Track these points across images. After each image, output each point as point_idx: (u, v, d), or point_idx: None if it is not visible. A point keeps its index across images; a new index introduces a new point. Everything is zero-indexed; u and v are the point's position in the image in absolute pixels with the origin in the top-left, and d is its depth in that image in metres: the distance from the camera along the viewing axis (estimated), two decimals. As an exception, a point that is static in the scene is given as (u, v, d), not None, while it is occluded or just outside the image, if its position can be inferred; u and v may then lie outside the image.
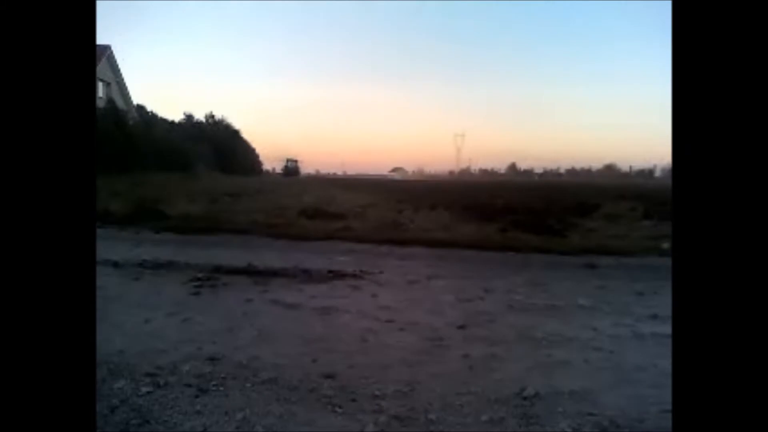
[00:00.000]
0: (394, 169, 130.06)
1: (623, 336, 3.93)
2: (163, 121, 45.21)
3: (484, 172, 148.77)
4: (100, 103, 28.30)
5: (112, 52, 32.65)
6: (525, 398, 2.85)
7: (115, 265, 6.36)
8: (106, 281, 5.47)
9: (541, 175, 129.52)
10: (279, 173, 63.20)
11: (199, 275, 5.77)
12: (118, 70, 33.80)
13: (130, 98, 35.54)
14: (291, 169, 61.14)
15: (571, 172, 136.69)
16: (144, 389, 2.85)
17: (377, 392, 2.88)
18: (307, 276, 5.90)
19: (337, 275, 5.96)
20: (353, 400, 2.78)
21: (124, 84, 34.71)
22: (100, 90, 31.07)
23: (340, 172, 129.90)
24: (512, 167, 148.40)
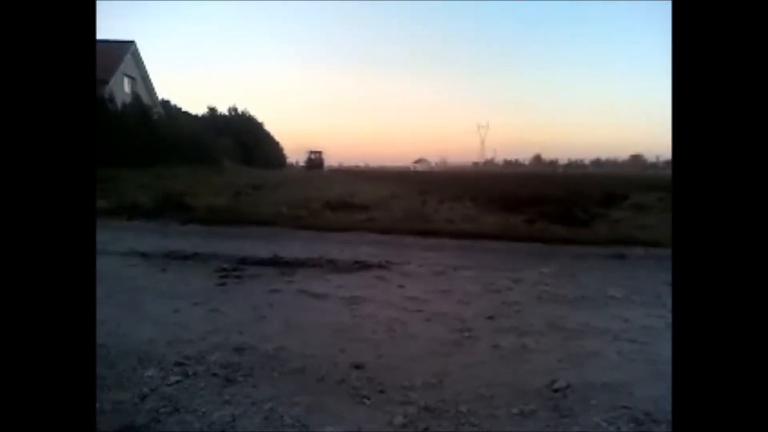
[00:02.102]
0: (418, 161, 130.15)
1: (656, 327, 3.83)
2: (187, 115, 45.71)
3: (509, 163, 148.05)
4: (126, 99, 28.70)
5: (137, 48, 33.00)
6: (556, 390, 2.79)
7: (143, 256, 6.43)
8: (135, 272, 5.56)
9: (566, 166, 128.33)
10: (302, 166, 63.15)
11: (225, 266, 5.78)
12: (143, 66, 34.15)
13: (155, 93, 35.91)
14: (315, 162, 60.66)
15: (597, 162, 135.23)
16: (173, 378, 2.85)
17: (406, 383, 2.83)
18: (333, 266, 5.89)
19: (362, 266, 5.94)
20: (382, 392, 2.75)
21: (149, 79, 35.07)
22: (126, 85, 31.48)
23: (362, 164, 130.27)
24: (537, 158, 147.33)
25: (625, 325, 3.89)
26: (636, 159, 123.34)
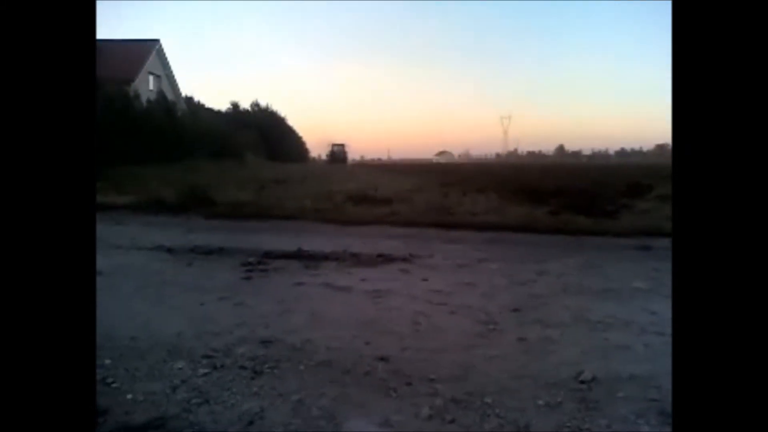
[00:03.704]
0: (440, 153, 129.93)
1: (685, 319, 3.77)
2: (211, 111, 46.02)
3: (532, 154, 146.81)
4: (151, 96, 29.07)
5: (161, 47, 33.40)
6: (583, 382, 2.77)
7: (169, 250, 6.53)
8: (161, 266, 5.66)
9: (589, 156, 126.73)
10: (325, 160, 62.69)
11: (250, 260, 5.85)
12: (168, 64, 34.54)
13: (179, 90, 36.30)
14: (338, 155, 59.78)
15: (621, 153, 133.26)
16: (202, 370, 2.90)
17: (432, 375, 2.85)
18: (357, 260, 5.92)
19: (386, 259, 5.95)
20: (408, 384, 2.76)
21: (173, 77, 35.46)
22: (151, 83, 31.90)
23: (384, 157, 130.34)
24: (560, 149, 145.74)
25: (652, 317, 3.85)
26: (662, 149, 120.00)
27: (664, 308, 4.02)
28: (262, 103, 55.90)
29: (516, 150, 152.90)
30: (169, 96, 31.90)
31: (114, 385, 2.71)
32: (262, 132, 45.50)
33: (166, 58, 34.27)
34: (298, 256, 6.11)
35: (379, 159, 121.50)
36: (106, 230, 7.79)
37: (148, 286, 4.75)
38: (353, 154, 76.16)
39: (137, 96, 26.15)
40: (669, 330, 3.51)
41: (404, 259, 5.94)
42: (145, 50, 31.46)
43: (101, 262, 5.21)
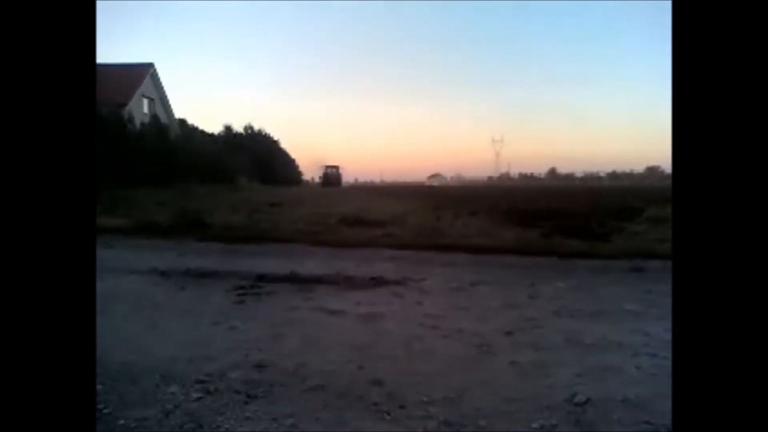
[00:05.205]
0: (432, 176, 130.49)
1: (677, 341, 3.79)
2: (204, 133, 46.21)
3: (524, 176, 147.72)
4: (145, 119, 29.19)
5: (155, 70, 33.63)
6: (576, 405, 2.78)
7: (162, 274, 6.49)
8: (154, 290, 5.62)
9: (581, 179, 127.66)
10: (318, 182, 62.42)
11: (243, 283, 5.83)
12: (161, 87, 34.75)
13: (172, 113, 36.45)
14: (331, 178, 59.14)
15: (612, 175, 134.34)
16: (195, 395, 2.88)
17: (425, 399, 2.85)
18: (350, 283, 5.91)
19: (379, 282, 5.95)
20: (402, 407, 2.76)
21: (167, 99, 35.64)
22: (145, 106, 32.07)
23: (377, 180, 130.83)
24: (552, 172, 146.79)
25: (644, 339, 3.87)
26: (652, 171, 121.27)
27: (656, 330, 4.05)
28: (255, 126, 56.20)
29: (508, 173, 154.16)
30: (163, 119, 32.07)
31: (106, 411, 2.69)
32: (255, 155, 45.70)
33: (159, 81, 34.48)
34: (292, 279, 6.10)
35: (372, 181, 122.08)
36: (98, 253, 7.72)
37: (140, 310, 4.73)
38: (346, 177, 76.07)
39: (131, 119, 26.25)
40: (661, 351, 3.55)
41: (397, 282, 5.94)
42: (140, 73, 31.66)
43: (94, 285, 5.18)
